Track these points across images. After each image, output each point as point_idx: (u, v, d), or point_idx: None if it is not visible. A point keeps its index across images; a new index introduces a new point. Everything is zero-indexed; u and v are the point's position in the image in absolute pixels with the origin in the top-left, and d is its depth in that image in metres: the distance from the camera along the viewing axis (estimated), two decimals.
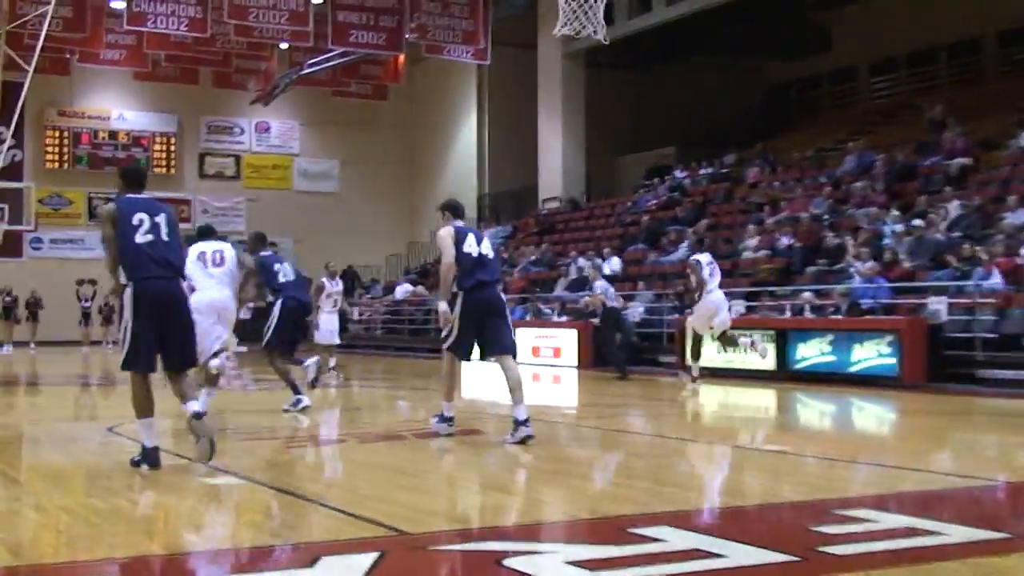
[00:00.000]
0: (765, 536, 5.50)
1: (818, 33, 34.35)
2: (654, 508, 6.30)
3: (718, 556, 4.88)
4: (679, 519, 5.90)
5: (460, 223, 9.45)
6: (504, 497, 7.03)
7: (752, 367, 17.53)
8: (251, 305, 12.51)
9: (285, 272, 12.32)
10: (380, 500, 6.53)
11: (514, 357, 9.26)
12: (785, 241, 21.70)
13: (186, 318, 7.64)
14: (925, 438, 10.71)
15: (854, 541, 5.24)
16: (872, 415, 13.57)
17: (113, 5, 27.84)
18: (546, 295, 25.84)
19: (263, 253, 12.37)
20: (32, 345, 32.73)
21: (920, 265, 17.93)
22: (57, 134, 38.20)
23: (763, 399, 15.26)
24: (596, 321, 19.74)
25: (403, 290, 33.36)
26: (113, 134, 38.80)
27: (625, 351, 19.04)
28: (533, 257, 29.75)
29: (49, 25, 25.52)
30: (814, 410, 14.20)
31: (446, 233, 9.24)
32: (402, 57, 31.58)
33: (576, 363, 21.73)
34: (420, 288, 32.65)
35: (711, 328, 15.48)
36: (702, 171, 29.91)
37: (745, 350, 16.54)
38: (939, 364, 16.02)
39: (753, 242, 22.56)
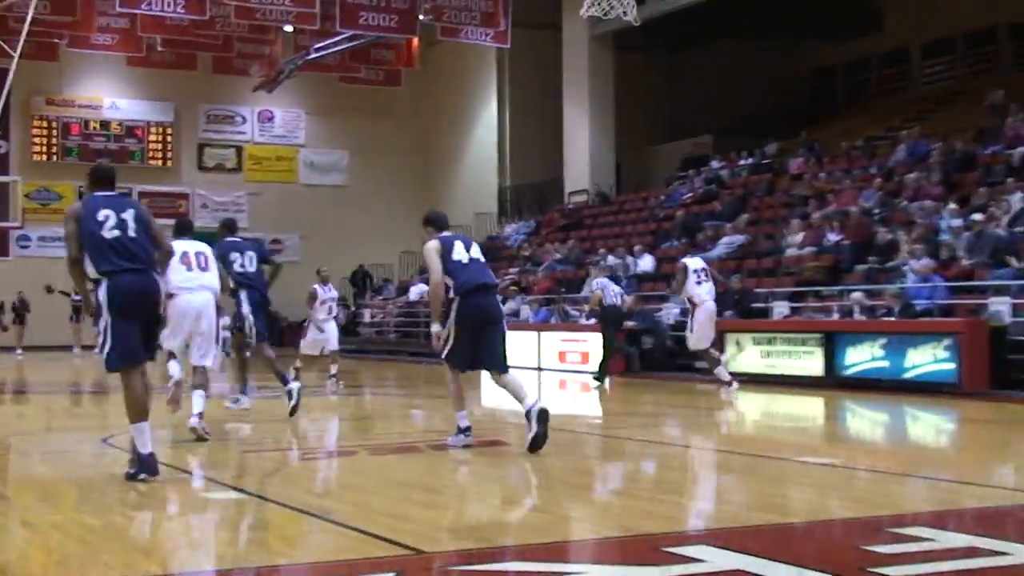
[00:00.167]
0: (812, 556, 5.48)
1: (866, 12, 34.20)
2: (690, 525, 6.28)
3: None
4: (718, 537, 5.87)
5: (446, 233, 9.65)
6: (528, 513, 7.03)
7: (797, 373, 17.49)
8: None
9: (243, 263, 12.61)
10: (394, 516, 6.53)
11: (506, 372, 9.39)
12: (832, 237, 21.61)
13: (155, 313, 7.92)
14: (987, 450, 10.65)
15: (910, 562, 5.20)
16: (929, 425, 13.51)
17: None
18: (573, 296, 25.81)
19: (227, 239, 12.82)
20: (19, 350, 32.91)
21: (980, 263, 17.81)
22: (45, 124, 38.35)
23: (809, 407, 15.21)
24: (593, 321, 19.82)
25: (418, 290, 33.33)
26: (105, 124, 38.96)
27: (661, 354, 19.00)
28: (558, 255, 29.72)
29: (36, 7, 25.66)
30: (865, 419, 14.14)
31: (431, 247, 9.40)
32: (416, 40, 31.64)
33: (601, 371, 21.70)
34: None
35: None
36: (741, 161, 29.83)
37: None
38: (1002, 369, 15.93)
39: (798, 238, 22.47)
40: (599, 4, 18.43)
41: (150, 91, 38.81)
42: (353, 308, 36.97)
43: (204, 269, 10.44)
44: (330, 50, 31.26)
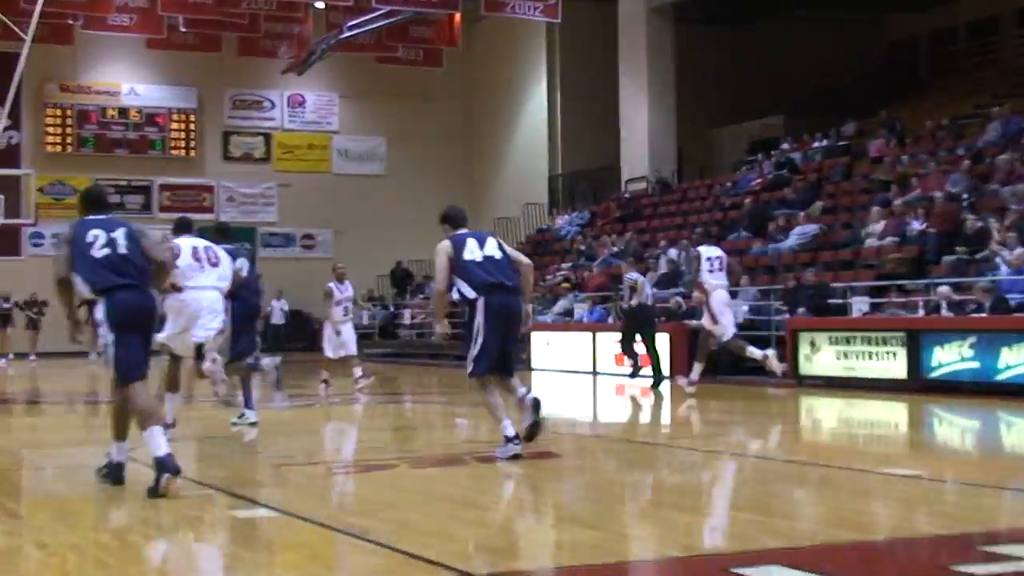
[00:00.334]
0: None
1: None
2: (762, 544, 6.25)
3: None
4: (792, 557, 5.84)
5: (462, 231, 9.97)
6: (583, 531, 7.01)
7: (878, 375, 17.38)
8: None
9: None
10: (437, 535, 6.54)
11: (513, 375, 9.87)
12: (916, 226, 21.46)
13: (152, 328, 8.55)
14: None
15: None
16: None
17: None
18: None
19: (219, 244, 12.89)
20: (32, 356, 33.22)
21: None
22: (59, 113, 38.70)
23: (892, 413, 15.12)
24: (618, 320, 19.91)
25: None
26: (124, 112, 39.26)
27: (726, 356, 18.92)
28: (615, 248, 29.67)
29: None
30: (954, 426, 14.04)
31: (440, 248, 9.85)
32: (458, 16, 31.65)
33: (668, 373, 21.63)
34: None
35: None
36: (815, 144, 29.67)
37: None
38: None
39: (878, 227, 22.34)
40: None
41: (171, 76, 39.06)
42: (392, 309, 37.07)
43: (215, 265, 10.88)
44: (365, 28, 31.35)
